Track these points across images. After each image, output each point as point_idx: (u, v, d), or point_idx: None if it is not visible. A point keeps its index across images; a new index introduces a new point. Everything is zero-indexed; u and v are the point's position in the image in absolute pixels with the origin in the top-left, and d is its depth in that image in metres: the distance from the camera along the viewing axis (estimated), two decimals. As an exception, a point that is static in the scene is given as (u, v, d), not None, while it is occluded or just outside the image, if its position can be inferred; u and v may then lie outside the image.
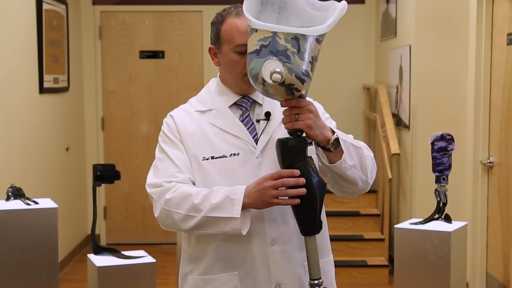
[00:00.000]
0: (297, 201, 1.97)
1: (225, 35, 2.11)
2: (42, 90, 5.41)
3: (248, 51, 1.95)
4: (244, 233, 2.02)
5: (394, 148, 5.54)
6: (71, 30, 6.37)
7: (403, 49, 5.68)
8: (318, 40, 1.92)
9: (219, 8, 2.22)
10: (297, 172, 1.97)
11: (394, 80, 6.03)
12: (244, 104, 2.17)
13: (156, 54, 6.96)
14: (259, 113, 2.17)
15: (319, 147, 2.03)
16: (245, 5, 1.96)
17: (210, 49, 2.19)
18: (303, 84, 1.91)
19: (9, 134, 4.75)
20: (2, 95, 4.62)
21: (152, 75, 6.98)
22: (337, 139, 2.01)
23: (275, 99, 2.01)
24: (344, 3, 1.97)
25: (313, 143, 2.01)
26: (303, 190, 1.95)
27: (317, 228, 2.00)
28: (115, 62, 6.96)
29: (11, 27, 4.83)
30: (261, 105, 2.17)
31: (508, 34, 4.46)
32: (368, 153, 2.15)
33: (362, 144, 2.14)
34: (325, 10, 1.97)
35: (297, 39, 1.88)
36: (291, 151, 1.97)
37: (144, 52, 6.96)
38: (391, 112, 5.90)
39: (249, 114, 2.17)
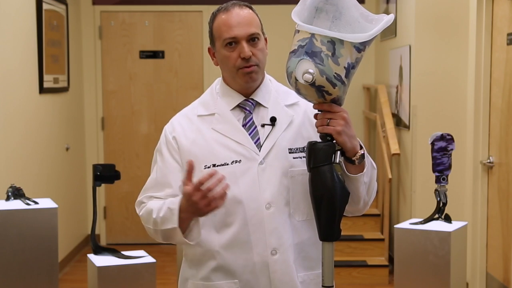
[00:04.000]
0: (226, 190, 1.95)
1: (215, 32, 2.13)
2: (42, 90, 5.41)
3: (289, 51, 1.96)
4: (192, 243, 2.06)
5: (394, 148, 5.54)
6: (71, 30, 6.37)
7: (403, 49, 5.68)
8: (358, 48, 1.92)
9: (219, 8, 2.23)
10: (213, 171, 1.95)
11: (394, 80, 6.03)
12: (247, 107, 2.16)
13: (156, 54, 6.96)
14: (263, 116, 2.15)
15: (343, 157, 2.02)
16: (296, 9, 1.97)
17: (208, 49, 2.20)
18: (334, 88, 1.91)
19: (9, 134, 4.75)
20: (2, 95, 4.62)
21: (152, 75, 6.98)
22: (363, 155, 2.02)
23: (308, 100, 2.01)
24: (391, 16, 1.97)
25: (339, 152, 2.00)
26: (226, 186, 1.94)
27: (336, 235, 1.98)
28: (115, 62, 6.96)
29: (11, 27, 4.83)
30: (265, 108, 2.16)
31: (508, 34, 4.46)
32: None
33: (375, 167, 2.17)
34: (376, 23, 1.97)
35: (333, 43, 1.89)
36: (317, 154, 1.96)
37: (144, 52, 6.96)
38: (391, 112, 5.90)
39: (252, 118, 2.15)
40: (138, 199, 2.23)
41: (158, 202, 2.13)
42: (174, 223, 2.02)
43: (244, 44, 2.07)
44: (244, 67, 2.09)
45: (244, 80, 2.11)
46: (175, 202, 2.04)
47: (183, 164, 2.14)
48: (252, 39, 2.09)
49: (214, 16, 2.14)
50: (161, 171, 2.16)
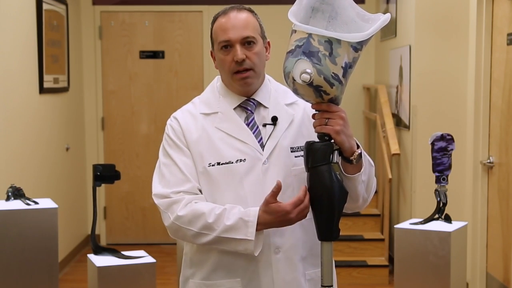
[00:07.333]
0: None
1: (214, 35, 2.14)
2: (42, 90, 5.41)
3: (286, 51, 1.96)
4: (257, 254, 2.03)
5: (394, 148, 5.54)
6: (71, 30, 6.38)
7: (403, 49, 5.68)
8: (356, 48, 1.92)
9: (219, 8, 2.23)
10: (304, 186, 1.99)
11: (394, 80, 6.03)
12: (249, 106, 2.16)
13: (156, 54, 6.96)
14: (264, 116, 2.15)
15: (341, 156, 2.02)
16: (292, 9, 1.97)
17: (211, 53, 2.21)
18: (332, 87, 1.92)
19: (9, 134, 4.75)
20: (2, 95, 4.62)
21: (152, 75, 6.98)
22: (360, 154, 2.02)
23: (306, 100, 2.01)
24: (387, 15, 1.97)
25: (337, 152, 2.00)
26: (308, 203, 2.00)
27: (334, 234, 1.99)
28: (115, 62, 6.96)
29: (11, 27, 4.83)
30: (266, 108, 2.16)
31: (508, 34, 4.46)
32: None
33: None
34: (372, 22, 1.97)
35: (330, 43, 1.89)
36: (316, 154, 1.96)
37: (144, 52, 6.96)
38: (391, 112, 5.90)
39: (254, 118, 2.15)
40: (160, 192, 2.11)
41: (207, 205, 2.06)
42: (248, 235, 2.00)
43: (238, 47, 2.07)
44: (238, 72, 2.09)
45: (239, 85, 2.11)
46: (249, 214, 2.01)
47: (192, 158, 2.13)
48: (247, 42, 2.08)
49: (214, 19, 2.15)
50: (182, 161, 2.11)
